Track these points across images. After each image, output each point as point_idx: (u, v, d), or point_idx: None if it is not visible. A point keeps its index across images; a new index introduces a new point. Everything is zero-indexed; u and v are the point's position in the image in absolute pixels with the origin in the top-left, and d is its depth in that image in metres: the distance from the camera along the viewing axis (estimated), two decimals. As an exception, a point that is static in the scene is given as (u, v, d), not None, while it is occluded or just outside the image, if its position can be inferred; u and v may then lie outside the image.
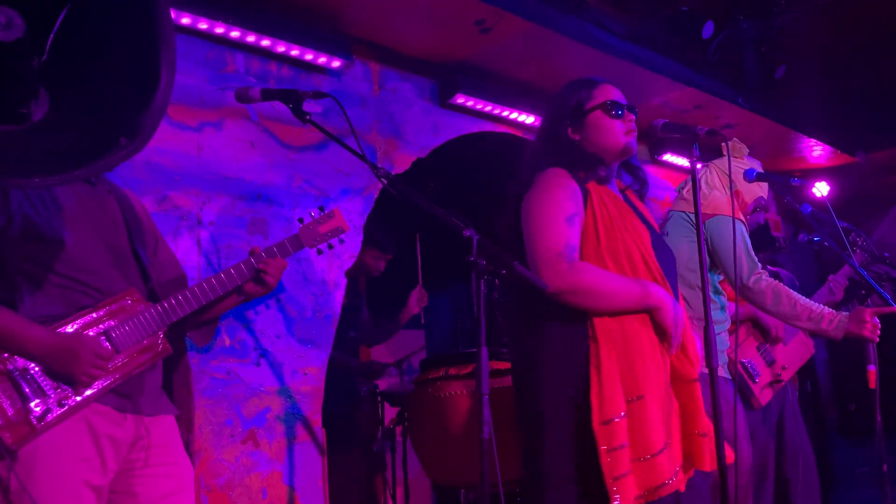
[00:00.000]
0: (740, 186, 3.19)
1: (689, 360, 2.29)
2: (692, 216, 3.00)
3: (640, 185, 2.48)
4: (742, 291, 2.86)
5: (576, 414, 2.14)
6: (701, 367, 2.32)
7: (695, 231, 2.82)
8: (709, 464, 2.25)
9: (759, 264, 2.99)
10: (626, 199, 2.46)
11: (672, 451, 2.19)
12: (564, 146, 2.36)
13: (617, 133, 2.34)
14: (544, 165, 2.35)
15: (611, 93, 2.38)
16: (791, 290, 2.95)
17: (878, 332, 2.95)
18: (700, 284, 2.68)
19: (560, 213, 2.22)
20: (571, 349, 2.19)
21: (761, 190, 3.26)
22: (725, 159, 3.26)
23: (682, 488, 2.21)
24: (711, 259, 2.97)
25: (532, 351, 2.26)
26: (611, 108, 2.34)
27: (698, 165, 2.26)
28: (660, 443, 2.13)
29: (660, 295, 2.20)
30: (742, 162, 3.19)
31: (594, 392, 2.11)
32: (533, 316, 2.27)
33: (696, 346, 2.33)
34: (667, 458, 2.14)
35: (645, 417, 2.12)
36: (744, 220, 3.13)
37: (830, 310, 2.97)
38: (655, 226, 2.50)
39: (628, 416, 2.11)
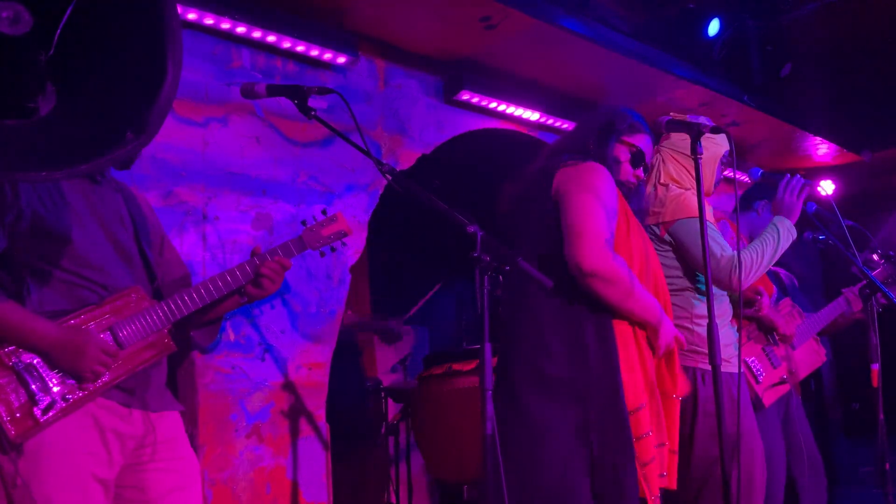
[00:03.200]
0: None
1: (671, 376, 2.42)
2: (655, 228, 2.93)
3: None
4: (731, 286, 2.78)
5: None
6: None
7: (661, 244, 2.81)
8: (675, 483, 2.36)
9: (730, 249, 2.83)
10: None
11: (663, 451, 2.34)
12: (607, 152, 2.49)
13: (622, 175, 2.51)
14: (585, 157, 2.43)
15: (644, 144, 2.54)
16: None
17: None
18: (678, 287, 2.76)
19: (607, 205, 2.32)
20: (604, 341, 2.28)
21: (718, 146, 3.00)
22: (673, 139, 3.00)
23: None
24: (686, 264, 2.84)
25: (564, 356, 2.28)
26: (636, 156, 2.51)
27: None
28: (657, 440, 2.29)
29: (664, 317, 2.35)
30: (682, 136, 2.95)
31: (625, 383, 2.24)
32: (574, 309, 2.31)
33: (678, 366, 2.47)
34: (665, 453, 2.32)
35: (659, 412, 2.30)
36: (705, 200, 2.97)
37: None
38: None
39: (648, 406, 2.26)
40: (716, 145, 3.01)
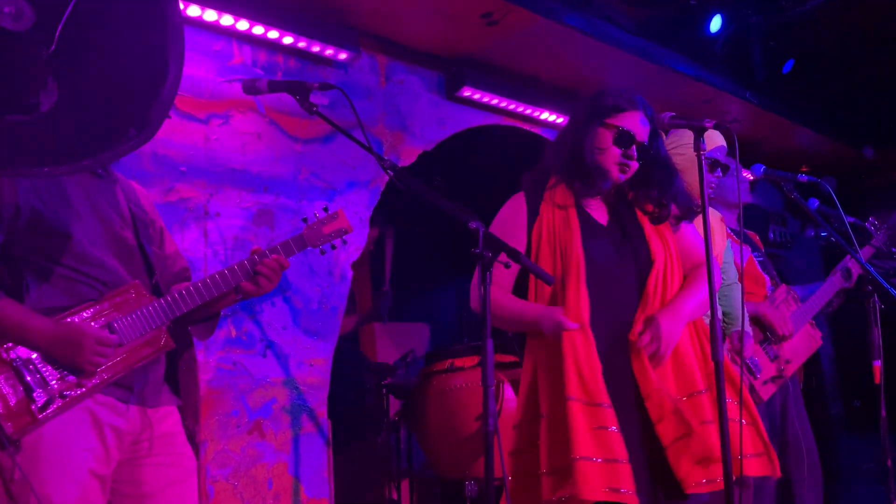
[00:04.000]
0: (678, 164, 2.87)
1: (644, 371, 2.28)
2: None
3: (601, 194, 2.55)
4: None
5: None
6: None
7: None
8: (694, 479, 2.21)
9: None
10: (630, 214, 2.51)
11: (616, 466, 2.15)
12: (578, 153, 2.43)
13: (611, 158, 2.40)
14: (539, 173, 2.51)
15: (632, 122, 2.41)
16: None
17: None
18: None
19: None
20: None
21: (712, 144, 2.92)
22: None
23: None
24: None
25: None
26: (620, 137, 2.38)
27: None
28: (583, 451, 2.13)
29: (543, 317, 2.29)
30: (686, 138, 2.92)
31: (521, 394, 2.34)
32: None
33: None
34: (597, 469, 2.12)
35: (562, 427, 2.17)
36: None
37: None
38: (653, 238, 2.49)
39: (549, 420, 2.23)
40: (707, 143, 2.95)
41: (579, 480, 2.09)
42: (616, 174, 2.42)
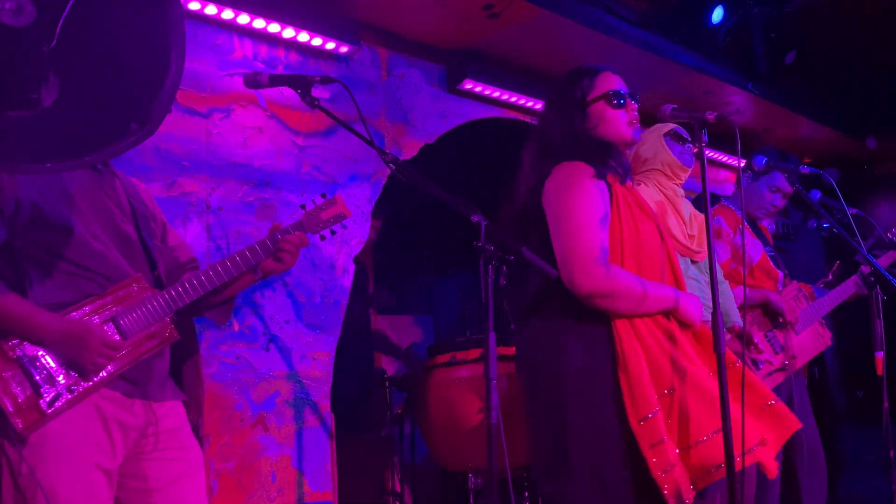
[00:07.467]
0: (641, 152, 2.98)
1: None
2: None
3: (624, 172, 2.41)
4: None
5: (607, 417, 2.15)
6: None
7: None
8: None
9: None
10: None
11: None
12: (582, 137, 2.32)
13: (621, 124, 2.33)
14: (561, 157, 2.30)
15: (612, 82, 2.36)
16: None
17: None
18: None
19: (594, 214, 2.20)
20: (594, 352, 2.19)
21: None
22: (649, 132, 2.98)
23: (769, 463, 2.20)
24: None
25: (551, 356, 2.23)
26: (613, 98, 2.32)
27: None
28: (709, 427, 2.12)
29: (678, 297, 2.23)
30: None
31: (625, 393, 2.12)
32: (549, 319, 2.27)
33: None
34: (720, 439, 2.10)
35: (679, 408, 2.13)
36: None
37: None
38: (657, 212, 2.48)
39: (662, 410, 2.12)
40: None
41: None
42: (632, 133, 2.35)
